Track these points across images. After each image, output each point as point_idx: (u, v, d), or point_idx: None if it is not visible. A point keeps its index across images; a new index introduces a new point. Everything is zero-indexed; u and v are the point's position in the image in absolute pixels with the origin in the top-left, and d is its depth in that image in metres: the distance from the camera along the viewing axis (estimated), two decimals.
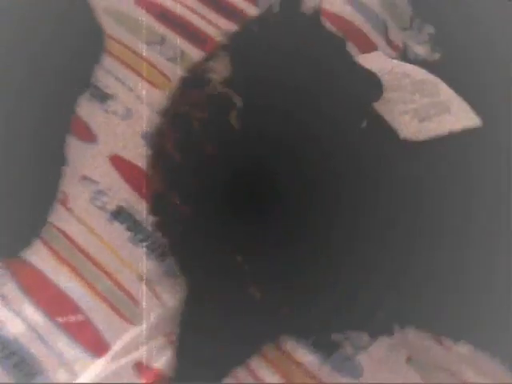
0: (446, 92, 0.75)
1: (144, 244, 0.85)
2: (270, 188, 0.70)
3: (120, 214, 0.87)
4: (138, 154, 0.91)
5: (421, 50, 1.03)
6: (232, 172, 0.70)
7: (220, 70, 0.74)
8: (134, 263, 0.83)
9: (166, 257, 0.84)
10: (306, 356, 0.78)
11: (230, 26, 1.03)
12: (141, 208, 0.86)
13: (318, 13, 0.77)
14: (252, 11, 1.07)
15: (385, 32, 1.07)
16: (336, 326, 0.78)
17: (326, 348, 0.79)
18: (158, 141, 0.81)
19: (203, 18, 1.08)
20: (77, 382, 0.75)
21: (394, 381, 0.75)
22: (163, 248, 0.84)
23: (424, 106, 0.73)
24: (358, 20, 1.08)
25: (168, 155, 0.76)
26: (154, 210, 0.83)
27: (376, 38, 1.07)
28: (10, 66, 0.88)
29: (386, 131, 0.71)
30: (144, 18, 1.07)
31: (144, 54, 1.02)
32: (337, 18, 1.05)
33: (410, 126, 0.71)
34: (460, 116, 0.73)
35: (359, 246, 0.70)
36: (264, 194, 0.70)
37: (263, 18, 0.78)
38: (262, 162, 0.69)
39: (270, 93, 0.70)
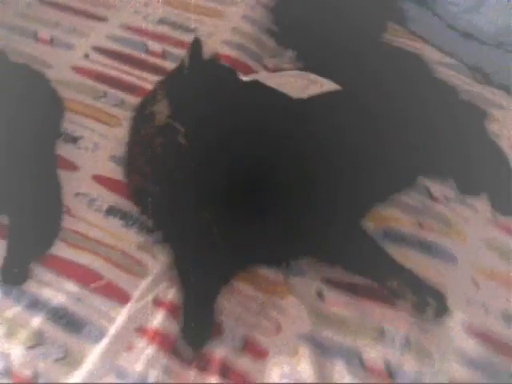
0: (312, 76, 1.21)
1: (135, 226, 1.18)
2: (218, 168, 1.04)
3: (112, 211, 1.20)
4: (111, 171, 1.25)
5: (287, 66, 1.47)
6: (187, 170, 1.06)
7: (161, 107, 1.08)
8: (131, 239, 1.16)
9: (152, 232, 1.17)
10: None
11: (152, 77, 1.43)
12: (125, 203, 1.20)
13: (216, 56, 1.16)
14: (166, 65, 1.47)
15: (261, 60, 1.52)
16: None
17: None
18: (130, 160, 1.16)
19: (130, 73, 1.47)
20: (117, 322, 1.05)
21: None
22: (148, 227, 1.17)
23: (303, 82, 1.18)
24: (240, 56, 1.51)
25: (140, 168, 1.11)
26: (136, 201, 1.18)
27: (255, 65, 1.51)
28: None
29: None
30: (85, 81, 1.43)
31: (94, 105, 1.38)
32: (226, 57, 1.47)
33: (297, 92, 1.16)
34: (325, 85, 1.19)
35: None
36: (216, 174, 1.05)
37: (183, 66, 1.10)
38: (206, 160, 1.05)
39: (199, 117, 1.05)
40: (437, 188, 1.29)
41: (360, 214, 1.20)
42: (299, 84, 1.22)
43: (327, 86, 1.22)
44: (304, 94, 1.18)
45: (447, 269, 1.16)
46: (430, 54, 1.59)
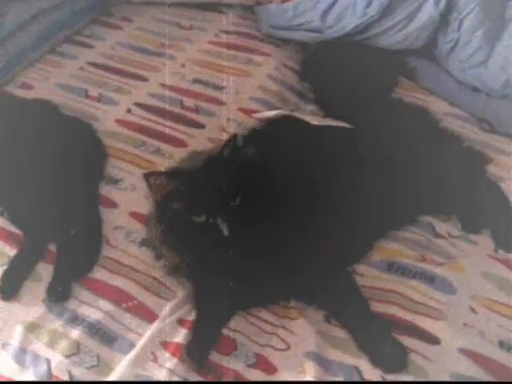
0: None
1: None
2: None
3: (145, 242, 1.36)
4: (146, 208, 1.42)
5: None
6: None
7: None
8: (161, 267, 1.31)
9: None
10: None
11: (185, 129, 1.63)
12: None
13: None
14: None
15: None
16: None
17: None
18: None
19: (165, 126, 1.67)
20: (144, 337, 1.19)
21: None
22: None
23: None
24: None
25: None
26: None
27: None
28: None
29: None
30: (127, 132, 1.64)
31: (134, 152, 1.58)
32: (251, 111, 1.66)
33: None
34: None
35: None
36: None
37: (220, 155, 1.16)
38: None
39: None
40: (441, 225, 1.40)
41: (354, 258, 1.32)
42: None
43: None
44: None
45: (446, 298, 1.25)
46: (438, 106, 1.74)
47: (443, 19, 1.79)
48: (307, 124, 1.47)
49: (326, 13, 1.90)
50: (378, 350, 1.14)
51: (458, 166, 1.44)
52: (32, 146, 1.42)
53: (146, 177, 1.13)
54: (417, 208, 1.41)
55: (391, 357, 1.14)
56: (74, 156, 1.47)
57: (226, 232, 1.09)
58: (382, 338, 1.16)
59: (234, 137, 1.16)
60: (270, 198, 1.16)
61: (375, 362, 1.13)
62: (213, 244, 1.12)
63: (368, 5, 1.85)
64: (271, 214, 1.16)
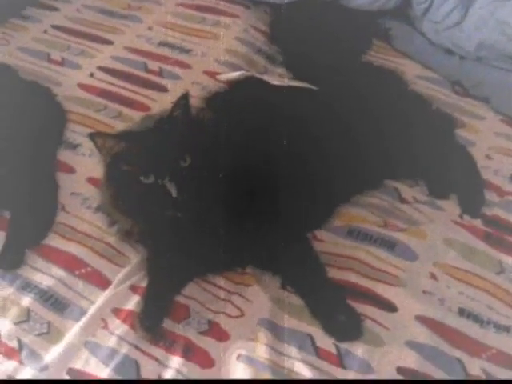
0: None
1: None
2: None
3: (99, 209, 1.33)
4: None
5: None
6: None
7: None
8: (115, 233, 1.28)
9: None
10: None
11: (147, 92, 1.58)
12: None
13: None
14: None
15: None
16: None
17: None
18: None
19: (130, 90, 1.62)
20: (96, 304, 1.17)
21: None
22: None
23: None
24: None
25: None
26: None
27: None
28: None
29: None
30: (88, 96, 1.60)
31: (94, 117, 1.54)
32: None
33: None
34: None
35: None
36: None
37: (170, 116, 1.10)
38: None
39: None
40: (407, 190, 1.37)
41: (315, 224, 1.29)
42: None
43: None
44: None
45: (407, 264, 1.22)
46: (411, 68, 1.69)
47: None
48: (269, 85, 1.42)
49: None
50: (331, 318, 1.12)
51: (426, 130, 1.40)
52: None
53: (92, 136, 1.09)
54: (382, 173, 1.38)
55: (345, 325, 1.11)
56: (32, 121, 1.43)
57: (174, 193, 1.05)
58: (335, 306, 1.14)
59: (185, 96, 1.11)
60: (224, 160, 1.12)
61: (328, 329, 1.11)
62: (161, 205, 1.08)
63: None
64: (225, 177, 1.12)
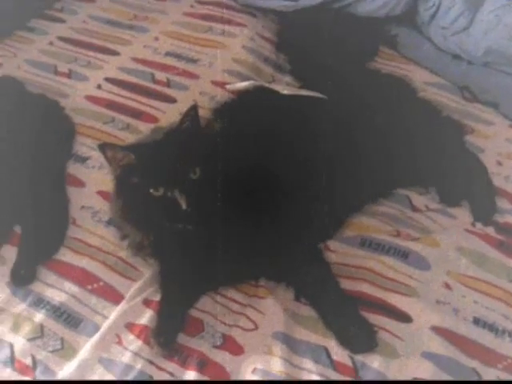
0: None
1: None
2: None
3: (111, 223, 1.33)
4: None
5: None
6: None
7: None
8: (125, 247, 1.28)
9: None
10: None
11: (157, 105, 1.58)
12: None
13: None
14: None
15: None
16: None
17: None
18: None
19: (138, 102, 1.62)
20: (109, 319, 1.16)
21: None
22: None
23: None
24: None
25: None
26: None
27: None
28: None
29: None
30: (96, 108, 1.59)
31: (102, 129, 1.54)
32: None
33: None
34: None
35: None
36: None
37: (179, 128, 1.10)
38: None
39: None
40: (418, 198, 1.36)
41: (327, 234, 1.28)
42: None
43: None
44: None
45: (420, 274, 1.21)
46: (419, 75, 1.68)
47: None
48: (278, 95, 1.42)
49: None
50: (345, 330, 1.11)
51: (436, 137, 1.40)
52: None
53: (101, 148, 1.09)
54: (393, 181, 1.37)
55: (358, 336, 1.11)
56: (41, 135, 1.42)
57: (184, 205, 1.05)
58: (349, 318, 1.13)
59: (193, 108, 1.11)
60: (234, 172, 1.11)
61: (343, 341, 1.11)
62: (171, 218, 1.08)
63: None
64: (235, 188, 1.11)
